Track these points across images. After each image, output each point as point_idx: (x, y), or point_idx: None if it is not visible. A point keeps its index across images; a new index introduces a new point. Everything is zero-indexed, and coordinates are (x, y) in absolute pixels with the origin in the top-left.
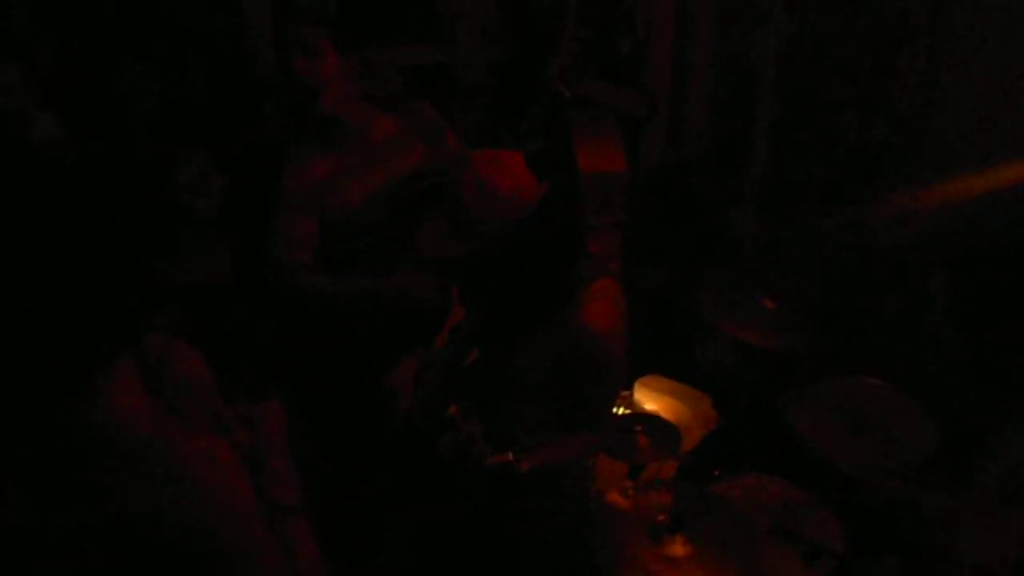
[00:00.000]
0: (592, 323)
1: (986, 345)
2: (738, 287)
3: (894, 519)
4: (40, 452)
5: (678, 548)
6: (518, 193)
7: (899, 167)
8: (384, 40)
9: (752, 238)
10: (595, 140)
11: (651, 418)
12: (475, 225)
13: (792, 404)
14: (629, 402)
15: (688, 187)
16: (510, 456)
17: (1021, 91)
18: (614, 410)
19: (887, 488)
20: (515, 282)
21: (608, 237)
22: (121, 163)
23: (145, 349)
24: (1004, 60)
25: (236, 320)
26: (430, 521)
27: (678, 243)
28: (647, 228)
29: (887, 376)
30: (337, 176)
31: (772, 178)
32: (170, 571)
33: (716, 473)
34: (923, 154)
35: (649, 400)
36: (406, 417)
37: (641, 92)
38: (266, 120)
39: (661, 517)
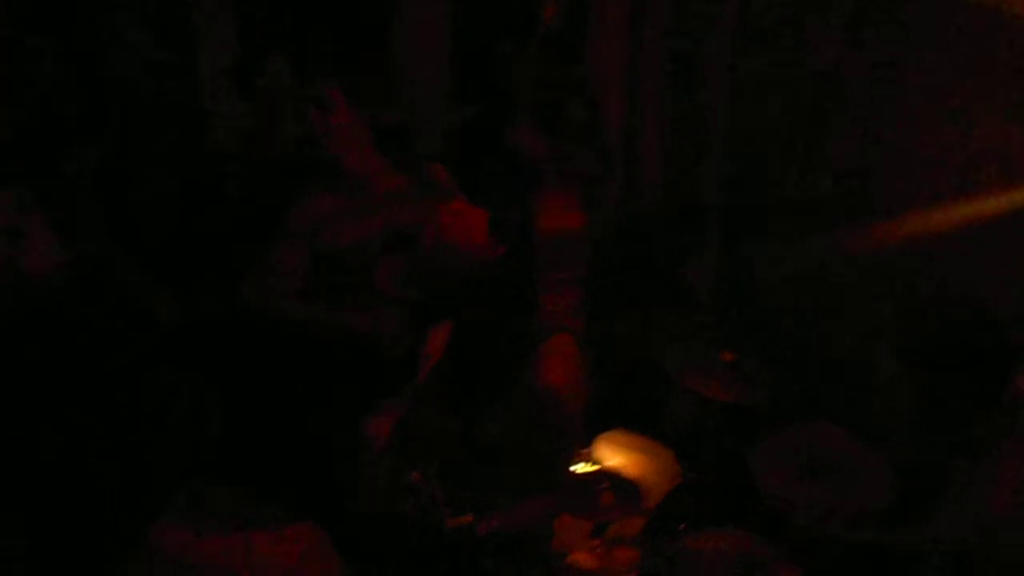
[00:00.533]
0: (547, 379)
1: (936, 393)
2: (696, 341)
3: (858, 566)
4: None
5: None
6: (473, 250)
7: (842, 219)
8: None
9: (708, 291)
10: (553, 199)
11: (615, 474)
12: (429, 273)
13: (753, 455)
14: (592, 458)
15: (645, 242)
16: (469, 518)
17: (953, 144)
18: (576, 467)
19: (850, 535)
20: (470, 341)
21: (567, 293)
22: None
23: None
24: (935, 117)
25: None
26: None
27: (636, 297)
28: (605, 283)
29: (846, 423)
30: (336, 216)
31: (726, 232)
32: None
33: (682, 528)
34: (865, 207)
35: (612, 455)
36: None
37: (596, 152)
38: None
39: (629, 575)
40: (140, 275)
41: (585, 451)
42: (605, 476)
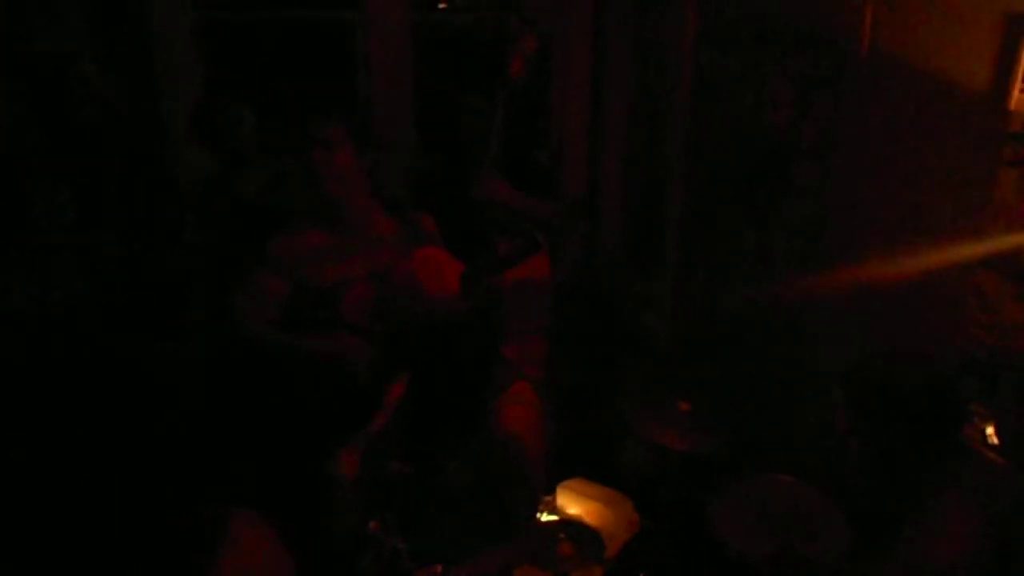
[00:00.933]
0: (509, 427)
1: (885, 444)
2: (653, 390)
3: None
4: None
5: None
6: (441, 300)
7: (797, 271)
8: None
9: (665, 343)
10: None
11: (574, 524)
12: (395, 311)
13: (711, 504)
14: (552, 507)
15: (603, 291)
16: (437, 570)
17: (905, 200)
18: (537, 515)
19: None
20: (431, 390)
21: (531, 342)
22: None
23: None
24: (888, 171)
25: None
26: None
27: (595, 346)
28: (566, 331)
29: (801, 472)
30: (320, 252)
31: (683, 283)
32: None
33: None
34: (819, 260)
35: (572, 504)
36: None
37: (559, 202)
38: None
39: None
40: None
41: (547, 499)
42: (565, 526)
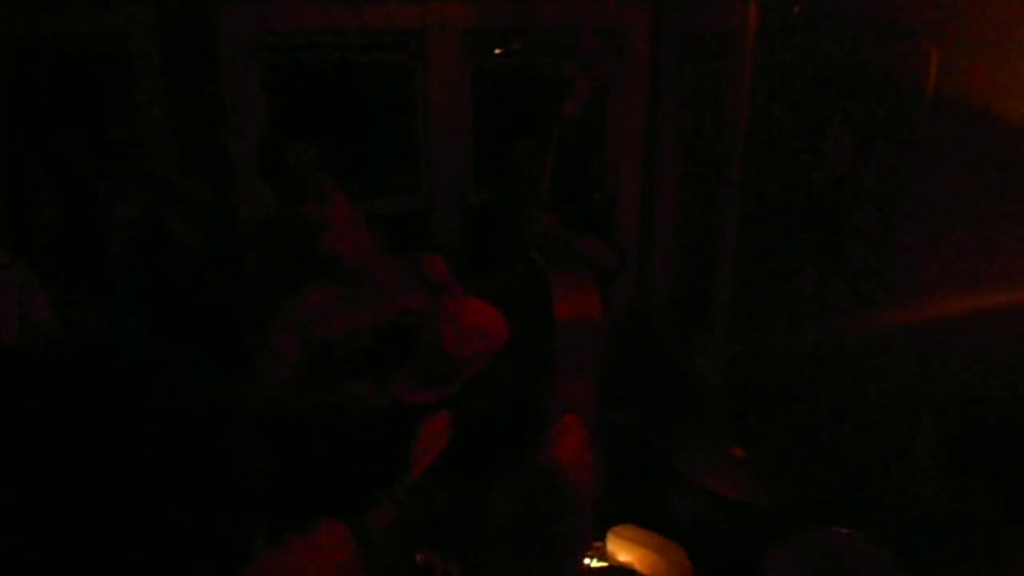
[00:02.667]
0: (559, 457)
1: (968, 496)
2: (707, 436)
3: None
4: None
5: None
6: (488, 328)
7: (857, 319)
8: (368, 190)
9: (719, 387)
10: (571, 290)
11: (625, 571)
12: (454, 364)
13: (768, 556)
14: (603, 553)
15: (655, 336)
16: None
17: (971, 246)
18: (586, 560)
19: None
20: (485, 422)
21: (581, 383)
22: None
23: None
24: (954, 216)
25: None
26: None
27: (647, 391)
28: (617, 375)
29: (863, 527)
30: (329, 307)
31: (737, 327)
32: None
33: None
34: (879, 307)
35: (623, 551)
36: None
37: (611, 244)
38: (245, 271)
39: None
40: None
41: (597, 545)
42: (615, 572)
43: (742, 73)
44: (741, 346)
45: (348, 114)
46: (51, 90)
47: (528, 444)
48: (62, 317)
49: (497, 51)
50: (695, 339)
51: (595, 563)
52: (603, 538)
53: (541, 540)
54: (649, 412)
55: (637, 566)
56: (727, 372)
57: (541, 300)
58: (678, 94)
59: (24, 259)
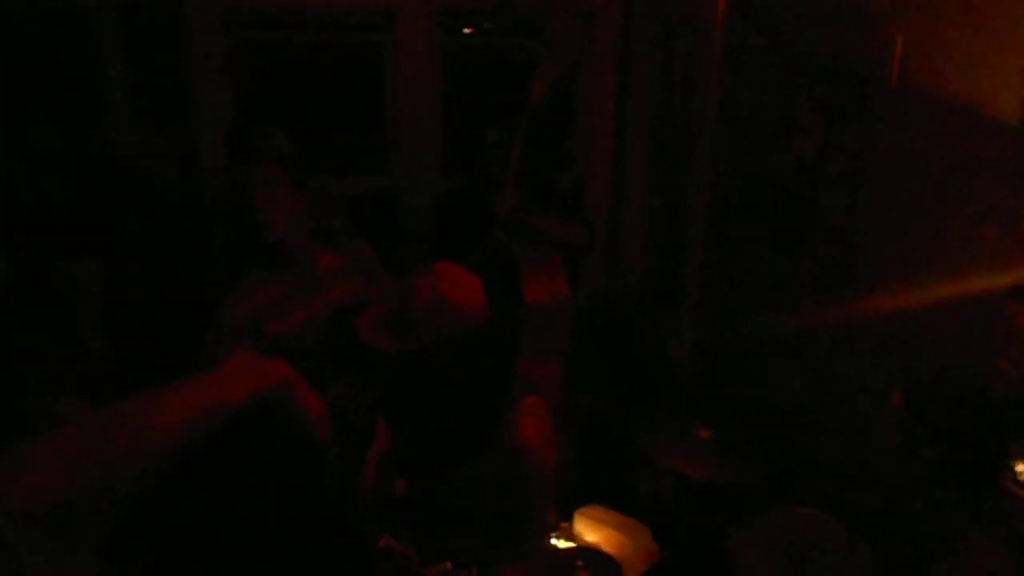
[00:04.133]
0: (521, 438)
1: (928, 473)
2: (674, 418)
3: None
4: None
5: None
6: (466, 309)
7: (824, 300)
8: (336, 171)
9: (687, 370)
10: (538, 271)
11: (592, 551)
12: (418, 326)
13: (732, 536)
14: (569, 534)
15: (624, 318)
16: (448, 565)
17: (933, 231)
18: (553, 540)
19: None
20: (448, 405)
21: (548, 366)
22: None
23: None
24: (916, 201)
25: None
26: None
27: (615, 373)
28: (584, 357)
29: (827, 506)
30: (278, 304)
31: (705, 310)
32: None
33: None
34: (847, 289)
35: (589, 531)
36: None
37: (580, 223)
38: (214, 250)
39: None
40: None
41: (564, 526)
42: (582, 553)
43: (711, 58)
44: (709, 329)
45: (316, 94)
46: (13, 71)
47: (491, 426)
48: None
49: (467, 31)
50: (664, 322)
51: (562, 543)
52: (570, 519)
53: (504, 522)
54: (617, 394)
55: (603, 546)
56: (695, 355)
57: (509, 281)
58: (648, 78)
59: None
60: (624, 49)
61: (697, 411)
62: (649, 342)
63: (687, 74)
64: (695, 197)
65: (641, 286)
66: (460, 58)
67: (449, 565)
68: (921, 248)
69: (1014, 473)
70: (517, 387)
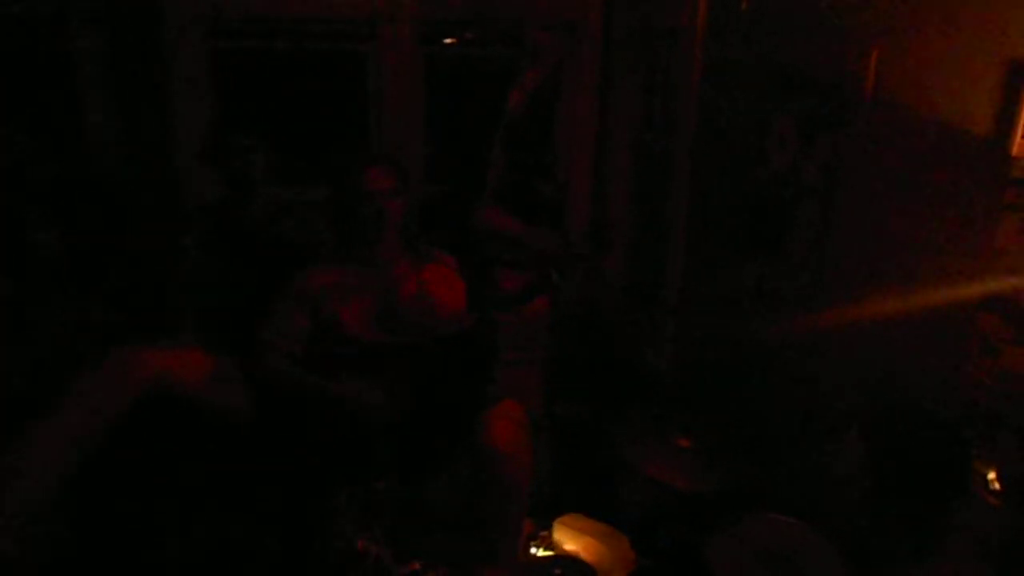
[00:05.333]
0: (496, 442)
1: (889, 490)
2: (653, 426)
3: None
4: None
5: None
6: (451, 312)
7: (797, 310)
8: (318, 179)
9: (666, 378)
10: (515, 278)
11: (570, 560)
12: (400, 317)
13: (709, 544)
14: (548, 542)
15: (604, 326)
16: (416, 566)
17: (907, 243)
18: (532, 549)
19: None
20: (426, 405)
21: (525, 373)
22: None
23: None
24: (890, 213)
25: None
26: None
27: (595, 381)
28: (565, 365)
29: (800, 513)
30: (340, 288)
31: (684, 319)
32: None
33: None
34: (819, 301)
35: (569, 540)
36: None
37: (559, 233)
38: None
39: None
40: None
41: (543, 534)
42: (560, 561)
43: (691, 68)
44: (689, 337)
45: (298, 102)
46: None
47: (468, 427)
48: None
49: (449, 41)
50: (644, 330)
51: (541, 552)
52: (549, 528)
53: (477, 522)
54: (597, 402)
55: (582, 554)
56: (675, 363)
57: (484, 290)
58: (629, 88)
59: None
60: (605, 60)
61: (677, 419)
62: (629, 350)
63: (667, 85)
64: (675, 206)
65: (622, 294)
66: (442, 66)
67: (418, 565)
68: (894, 258)
69: (986, 481)
70: (493, 391)
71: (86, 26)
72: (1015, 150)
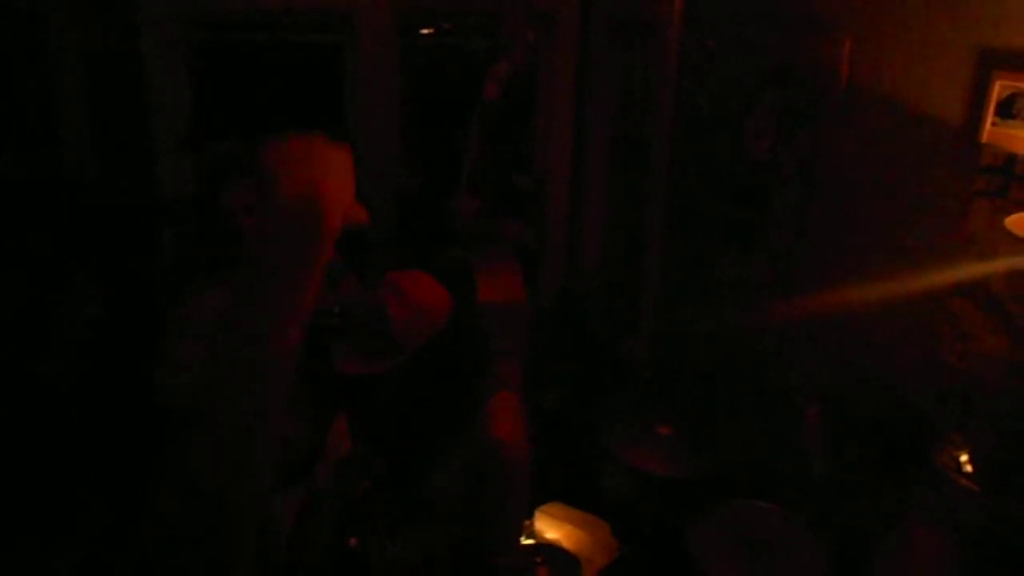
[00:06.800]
0: (497, 434)
1: (853, 469)
2: (634, 415)
3: None
4: None
5: None
6: (435, 305)
7: (773, 298)
8: None
9: (646, 366)
10: (494, 272)
11: (552, 548)
12: (398, 342)
13: (689, 530)
14: (530, 531)
15: (584, 316)
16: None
17: (881, 230)
18: (525, 528)
19: None
20: (422, 402)
21: (506, 365)
22: None
23: None
24: (865, 200)
25: None
26: None
27: (576, 371)
28: (545, 356)
29: (780, 499)
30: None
31: (664, 308)
32: None
33: None
34: (794, 288)
35: (550, 528)
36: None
37: (534, 227)
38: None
39: None
40: None
41: (526, 523)
42: (543, 550)
43: (668, 60)
44: (667, 327)
45: (275, 94)
46: None
47: (465, 423)
48: None
49: (426, 31)
50: (623, 320)
51: (524, 541)
52: (531, 517)
53: (483, 516)
54: (578, 392)
55: (563, 543)
56: (653, 353)
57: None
58: (607, 79)
59: None
60: (583, 51)
61: (656, 407)
62: (609, 340)
63: (644, 76)
64: (653, 197)
65: (602, 285)
66: (418, 58)
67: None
68: (869, 246)
69: (958, 463)
70: (490, 384)
71: (60, 19)
72: (985, 137)
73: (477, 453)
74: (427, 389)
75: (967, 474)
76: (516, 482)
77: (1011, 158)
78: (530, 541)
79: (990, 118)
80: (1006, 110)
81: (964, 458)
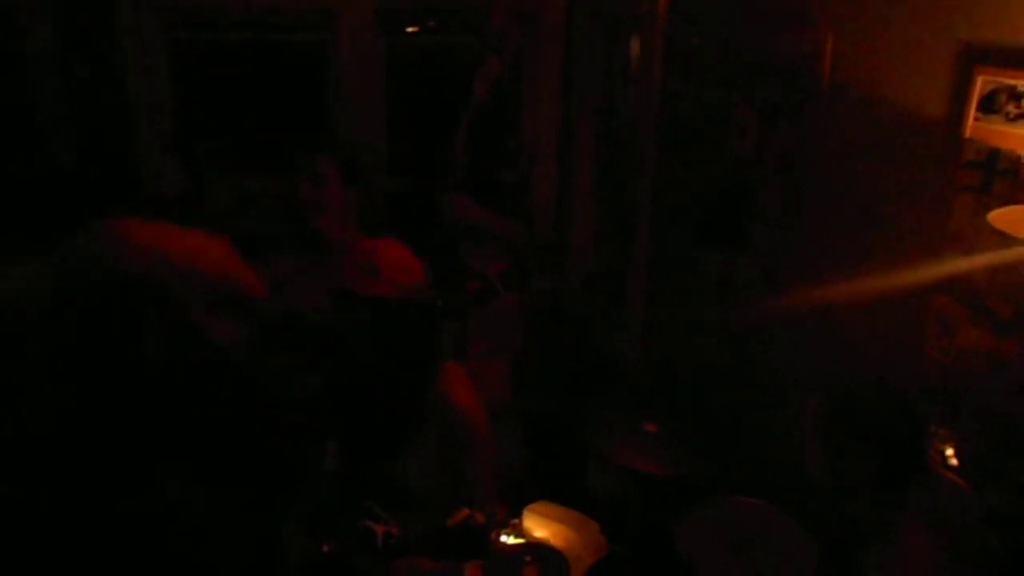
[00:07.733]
0: (458, 401)
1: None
2: (622, 413)
3: None
4: None
5: None
6: (401, 274)
7: (761, 296)
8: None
9: (635, 364)
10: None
11: (540, 547)
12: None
13: (678, 528)
14: (518, 530)
15: (573, 316)
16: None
17: (865, 226)
18: (504, 537)
19: None
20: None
21: (495, 365)
22: None
23: None
24: (849, 197)
25: None
26: None
27: (564, 370)
28: (534, 355)
29: (770, 497)
30: (292, 278)
31: (653, 307)
32: None
33: None
34: (782, 286)
35: (538, 527)
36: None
37: (524, 221)
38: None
39: None
40: None
41: (514, 522)
42: (530, 548)
43: (653, 57)
44: (656, 325)
45: (259, 93)
46: None
47: (424, 396)
48: None
49: (411, 29)
50: (612, 318)
51: (512, 540)
52: (519, 515)
53: (458, 483)
54: (566, 391)
55: (552, 541)
56: (643, 350)
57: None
58: (592, 75)
59: None
60: (568, 47)
61: (645, 405)
62: (598, 338)
63: (629, 73)
64: (640, 195)
65: (590, 283)
66: (403, 56)
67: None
68: (853, 242)
69: (944, 457)
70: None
71: (38, 19)
72: (968, 132)
73: (445, 425)
74: (392, 365)
75: (953, 468)
76: (483, 440)
77: (994, 153)
78: (518, 540)
79: (972, 113)
80: (989, 105)
81: (950, 452)
